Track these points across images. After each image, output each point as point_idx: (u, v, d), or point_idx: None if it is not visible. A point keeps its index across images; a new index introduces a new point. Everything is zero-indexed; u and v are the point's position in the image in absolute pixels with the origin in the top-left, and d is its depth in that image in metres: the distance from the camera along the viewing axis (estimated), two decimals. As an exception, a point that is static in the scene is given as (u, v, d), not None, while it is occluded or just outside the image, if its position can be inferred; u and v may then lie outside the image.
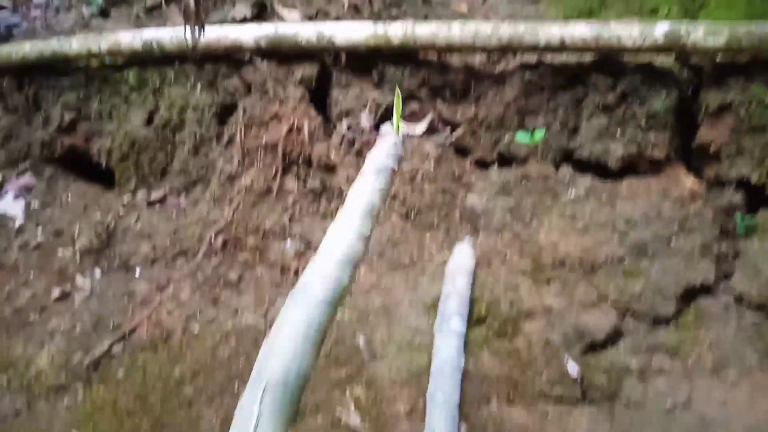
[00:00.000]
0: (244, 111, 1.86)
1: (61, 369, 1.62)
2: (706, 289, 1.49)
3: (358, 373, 1.44)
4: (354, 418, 1.34)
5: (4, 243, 1.97)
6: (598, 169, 1.72)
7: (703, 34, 1.49)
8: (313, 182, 1.80)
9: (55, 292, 1.80)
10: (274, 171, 1.81)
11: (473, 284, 1.56)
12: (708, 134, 1.64)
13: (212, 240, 1.77)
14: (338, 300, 0.87)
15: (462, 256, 1.59)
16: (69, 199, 2.10)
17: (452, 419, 1.26)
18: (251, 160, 1.84)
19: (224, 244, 1.76)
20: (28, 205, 2.10)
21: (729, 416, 1.26)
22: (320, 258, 0.92)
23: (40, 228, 2.02)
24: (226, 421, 1.39)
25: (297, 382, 0.77)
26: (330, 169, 1.81)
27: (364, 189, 1.05)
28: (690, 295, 1.48)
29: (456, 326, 1.42)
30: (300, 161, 1.82)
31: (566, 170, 1.73)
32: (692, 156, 1.72)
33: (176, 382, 1.49)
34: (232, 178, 1.85)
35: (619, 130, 1.70)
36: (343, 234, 0.94)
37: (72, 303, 1.78)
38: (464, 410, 1.33)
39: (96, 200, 2.05)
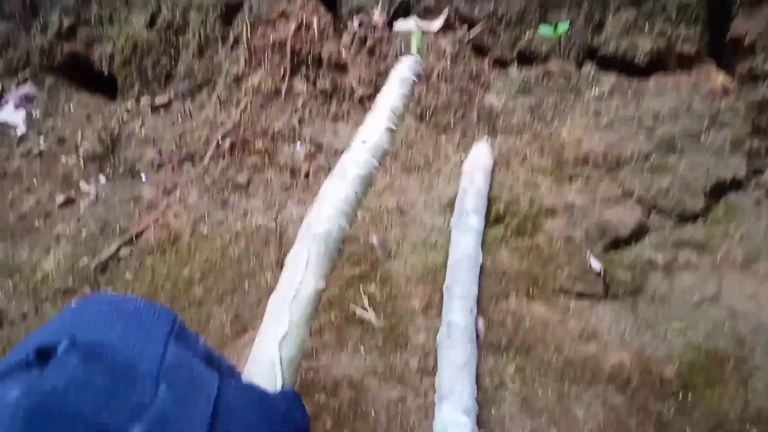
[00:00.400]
0: (250, 9, 1.77)
1: (67, 273, 1.58)
2: (736, 185, 1.42)
3: (372, 271, 1.40)
4: (368, 314, 1.30)
5: (6, 151, 1.91)
6: (623, 66, 1.63)
7: None
8: (323, 82, 1.72)
9: (60, 199, 1.76)
10: (282, 71, 1.73)
11: (491, 184, 1.50)
12: (743, 25, 1.54)
13: (219, 143, 1.70)
14: (370, 179, 1.08)
15: (479, 155, 1.52)
16: (71, 109, 2.03)
17: (470, 312, 1.21)
18: (258, 60, 1.75)
19: (232, 147, 1.70)
20: (29, 115, 2.04)
21: (759, 308, 1.21)
22: (355, 145, 1.07)
23: (42, 137, 1.97)
24: (237, 319, 1.36)
25: (337, 235, 0.99)
26: (341, 68, 1.72)
27: (391, 93, 1.17)
28: (719, 190, 1.41)
29: (473, 222, 1.36)
30: (309, 61, 1.73)
31: (590, 67, 1.64)
32: (724, 52, 1.62)
33: (185, 283, 1.46)
34: (238, 80, 1.77)
35: (647, 23, 1.60)
36: (374, 127, 1.10)
37: (77, 209, 1.73)
38: (482, 306, 1.28)
39: (99, 109, 1.98)
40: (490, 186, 1.49)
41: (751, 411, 1.08)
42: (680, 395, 1.11)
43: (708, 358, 1.15)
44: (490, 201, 1.47)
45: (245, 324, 1.34)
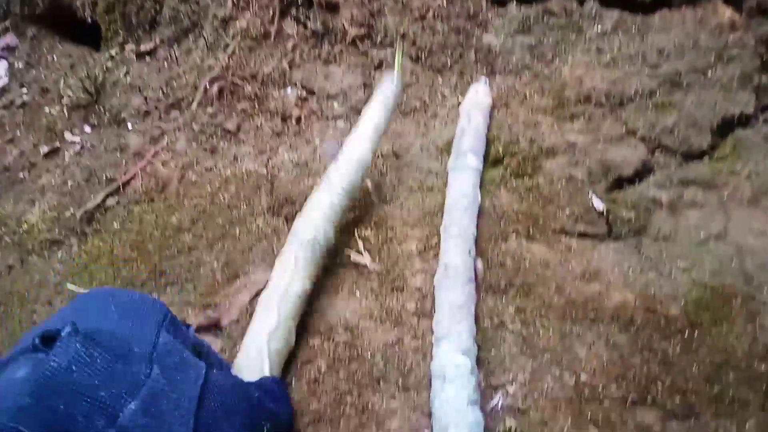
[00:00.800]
0: (237, -52, 1.69)
1: (53, 224, 1.53)
2: (744, 121, 1.36)
3: (366, 215, 1.35)
4: (363, 258, 1.26)
5: (-13, 103, 1.85)
6: (626, 2, 1.57)
7: None
8: (314, 24, 1.65)
9: (44, 149, 1.70)
10: (271, 13, 1.66)
11: (489, 125, 1.44)
12: (752, -44, 1.47)
13: (207, 89, 1.64)
14: (354, 192, 1.23)
15: (477, 95, 1.46)
16: (54, 59, 1.97)
17: (468, 253, 1.17)
18: (246, 2, 1.68)
19: (220, 92, 1.63)
20: (11, 66, 1.97)
21: (767, 245, 1.17)
22: (341, 159, 1.24)
23: (24, 88, 1.90)
24: (228, 266, 1.31)
25: (323, 242, 1.14)
26: (332, 8, 1.65)
27: (374, 112, 1.30)
28: (727, 127, 1.36)
29: (472, 162, 1.31)
30: (299, 1, 1.66)
31: (592, 4, 1.57)
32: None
33: (174, 230, 1.41)
34: (226, 23, 1.70)
35: (651, -44, 1.53)
36: (358, 144, 1.26)
37: (62, 159, 1.68)
38: (481, 247, 1.24)
39: (82, 58, 1.92)
40: (489, 127, 1.44)
41: (760, 348, 1.04)
42: (686, 333, 1.08)
43: (714, 295, 1.12)
44: (489, 142, 1.42)
45: (236, 270, 1.29)
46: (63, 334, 0.59)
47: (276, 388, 0.98)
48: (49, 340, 0.60)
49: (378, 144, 1.31)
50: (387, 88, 1.36)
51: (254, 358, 1.00)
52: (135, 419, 0.57)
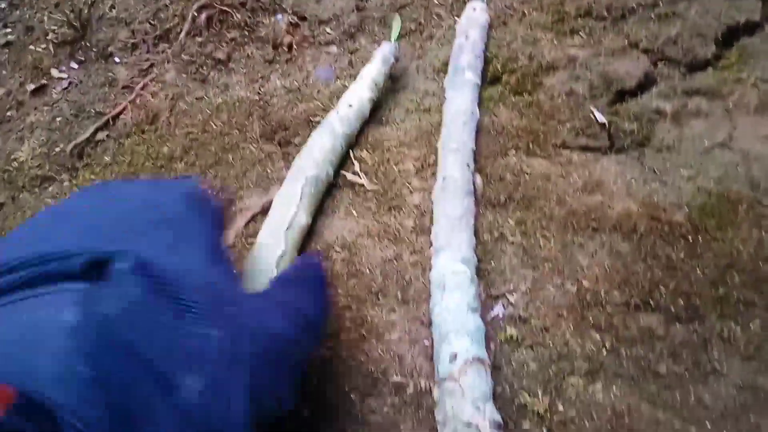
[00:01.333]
0: None
1: (44, 160, 1.50)
2: (750, 29, 1.32)
3: (362, 137, 1.32)
4: (360, 179, 1.23)
5: (-29, 44, 1.80)
6: None
7: None
8: (304, -54, 1.59)
9: (31, 87, 1.66)
10: (258, -63, 1.60)
11: (487, 44, 1.40)
12: None
13: (195, 18, 1.59)
14: (352, 137, 1.30)
15: (475, 12, 1.41)
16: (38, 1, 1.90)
17: (466, 167, 1.14)
18: (232, -74, 1.62)
19: (209, 21, 1.59)
20: (-6, 6, 1.91)
21: (775, 150, 1.14)
22: (341, 105, 1.28)
23: (9, 28, 1.85)
24: (222, 191, 1.28)
25: (325, 179, 1.19)
26: (321, -71, 1.59)
27: (372, 68, 1.33)
28: (732, 35, 1.32)
29: (470, 77, 1.27)
30: (287, -76, 1.60)
31: None
32: None
33: (167, 159, 1.38)
34: (212, -51, 1.63)
35: None
36: (358, 94, 1.31)
37: (50, 96, 1.64)
38: (480, 163, 1.21)
39: (67, -4, 1.86)
40: (487, 46, 1.39)
41: (766, 251, 1.02)
42: (690, 239, 1.05)
43: (719, 201, 1.09)
44: (487, 61, 1.38)
45: (230, 196, 1.27)
46: (119, 267, 0.48)
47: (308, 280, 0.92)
48: (96, 266, 0.49)
49: (378, 96, 1.33)
50: (386, 49, 1.38)
51: (263, 285, 1.00)
52: (194, 396, 0.48)
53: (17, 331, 0.45)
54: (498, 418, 0.83)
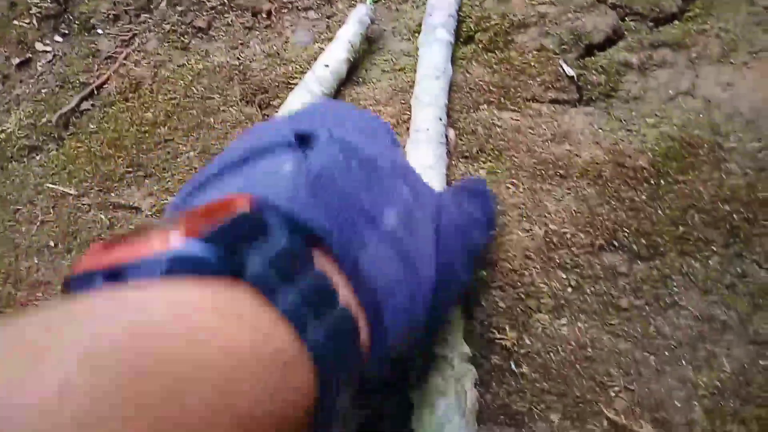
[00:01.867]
0: None
1: (31, 131, 1.53)
2: (715, -18, 1.35)
3: (337, 96, 1.35)
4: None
5: (-44, 20, 1.83)
6: None
7: None
8: None
9: (16, 61, 1.69)
10: None
11: (461, 4, 1.43)
12: None
13: (175, -12, 1.61)
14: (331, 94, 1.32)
15: (447, -27, 1.43)
16: (21, -25, 1.92)
17: (438, 120, 1.18)
18: None
19: (188, -10, 1.61)
20: (-23, -17, 1.93)
21: (735, 97, 1.17)
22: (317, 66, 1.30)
23: (-8, 4, 1.87)
24: (204, 152, 1.33)
25: None
26: None
27: (349, 29, 1.37)
28: (698, -11, 1.35)
29: (443, 35, 1.30)
30: None
31: None
32: None
33: (150, 124, 1.41)
34: None
35: None
36: (335, 54, 1.34)
37: (35, 69, 1.67)
38: (452, 118, 1.25)
39: (49, -30, 1.88)
40: (460, 6, 1.42)
41: (725, 190, 1.06)
42: (653, 182, 1.09)
43: (682, 146, 1.13)
44: (460, 21, 1.41)
45: (212, 156, 1.30)
46: (321, 137, 0.54)
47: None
48: (305, 139, 0.55)
49: (354, 57, 1.36)
50: (362, 11, 1.39)
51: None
52: (395, 228, 0.53)
53: (242, 181, 0.52)
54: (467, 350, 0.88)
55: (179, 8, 1.61)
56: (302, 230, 0.48)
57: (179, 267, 0.38)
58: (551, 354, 0.94)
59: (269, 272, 0.41)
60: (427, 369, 0.81)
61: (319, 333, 0.41)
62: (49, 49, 1.68)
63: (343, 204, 0.52)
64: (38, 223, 1.35)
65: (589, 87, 1.26)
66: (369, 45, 1.46)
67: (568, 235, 1.05)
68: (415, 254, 0.57)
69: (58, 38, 1.71)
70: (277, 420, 0.36)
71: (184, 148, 1.34)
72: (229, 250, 0.40)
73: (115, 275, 0.39)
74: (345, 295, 0.48)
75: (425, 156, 1.10)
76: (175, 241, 0.40)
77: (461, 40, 1.39)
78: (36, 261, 1.29)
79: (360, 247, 0.51)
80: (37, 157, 1.48)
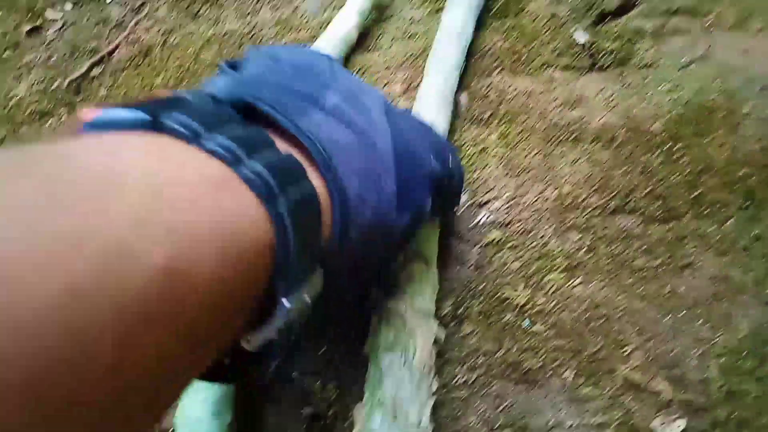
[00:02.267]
0: None
1: (42, 96, 1.53)
2: (731, -50, 1.34)
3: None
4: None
5: (-35, -12, 1.82)
6: None
7: None
8: None
9: (26, 28, 1.68)
10: None
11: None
12: None
13: (186, -45, 1.60)
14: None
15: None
16: (30, -56, 1.91)
17: (451, 81, 1.17)
18: None
19: (199, -42, 1.60)
20: (-14, -47, 1.92)
21: (751, 62, 1.17)
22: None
23: (2, -26, 1.86)
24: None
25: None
26: None
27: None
28: (713, -43, 1.34)
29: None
30: None
31: None
32: None
33: (161, 89, 1.41)
34: None
35: None
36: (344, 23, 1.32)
37: (45, 36, 1.66)
38: (464, 82, 1.24)
39: (58, -60, 1.87)
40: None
41: (739, 155, 1.06)
42: (667, 146, 1.09)
43: (697, 111, 1.12)
44: (472, -11, 1.39)
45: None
46: (248, 54, 0.57)
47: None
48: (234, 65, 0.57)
49: (364, 23, 1.35)
50: None
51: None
52: (338, 105, 0.53)
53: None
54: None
55: (190, -24, 1.60)
56: (232, 102, 0.49)
57: (103, 125, 0.40)
58: (565, 312, 0.94)
59: (192, 123, 0.41)
60: (380, 322, 0.79)
61: (256, 166, 0.40)
62: (59, 16, 1.68)
63: (279, 89, 0.53)
64: (48, 187, 1.35)
65: (602, 54, 1.25)
66: (380, 13, 1.45)
67: (582, 198, 1.04)
68: (366, 127, 0.55)
69: (68, 6, 1.70)
70: (225, 245, 0.35)
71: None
72: (152, 114, 0.41)
73: None
74: (287, 149, 0.47)
75: (427, 113, 1.09)
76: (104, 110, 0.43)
77: (474, 7, 1.38)
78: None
79: (300, 113, 0.50)
80: (49, 122, 1.48)
